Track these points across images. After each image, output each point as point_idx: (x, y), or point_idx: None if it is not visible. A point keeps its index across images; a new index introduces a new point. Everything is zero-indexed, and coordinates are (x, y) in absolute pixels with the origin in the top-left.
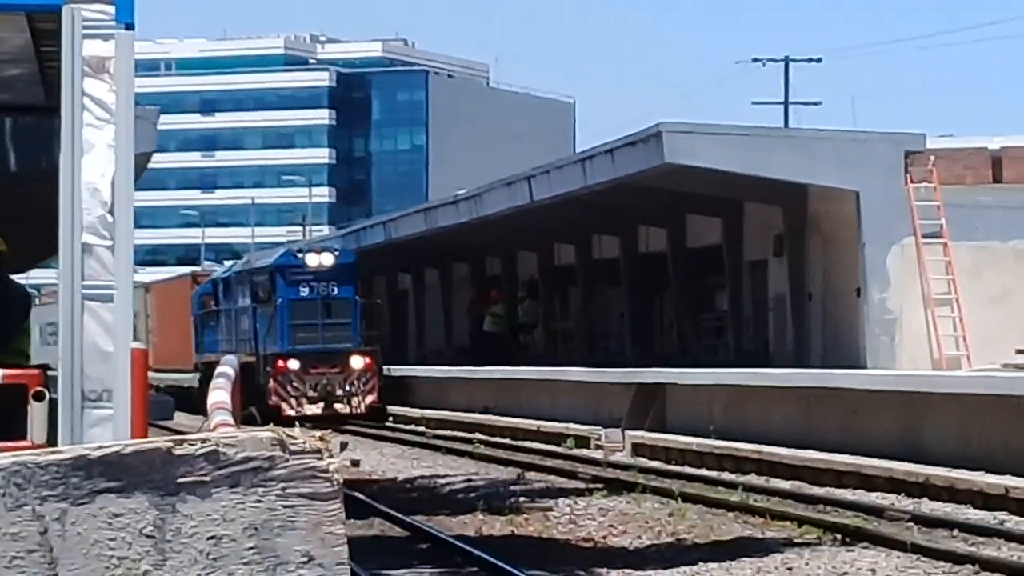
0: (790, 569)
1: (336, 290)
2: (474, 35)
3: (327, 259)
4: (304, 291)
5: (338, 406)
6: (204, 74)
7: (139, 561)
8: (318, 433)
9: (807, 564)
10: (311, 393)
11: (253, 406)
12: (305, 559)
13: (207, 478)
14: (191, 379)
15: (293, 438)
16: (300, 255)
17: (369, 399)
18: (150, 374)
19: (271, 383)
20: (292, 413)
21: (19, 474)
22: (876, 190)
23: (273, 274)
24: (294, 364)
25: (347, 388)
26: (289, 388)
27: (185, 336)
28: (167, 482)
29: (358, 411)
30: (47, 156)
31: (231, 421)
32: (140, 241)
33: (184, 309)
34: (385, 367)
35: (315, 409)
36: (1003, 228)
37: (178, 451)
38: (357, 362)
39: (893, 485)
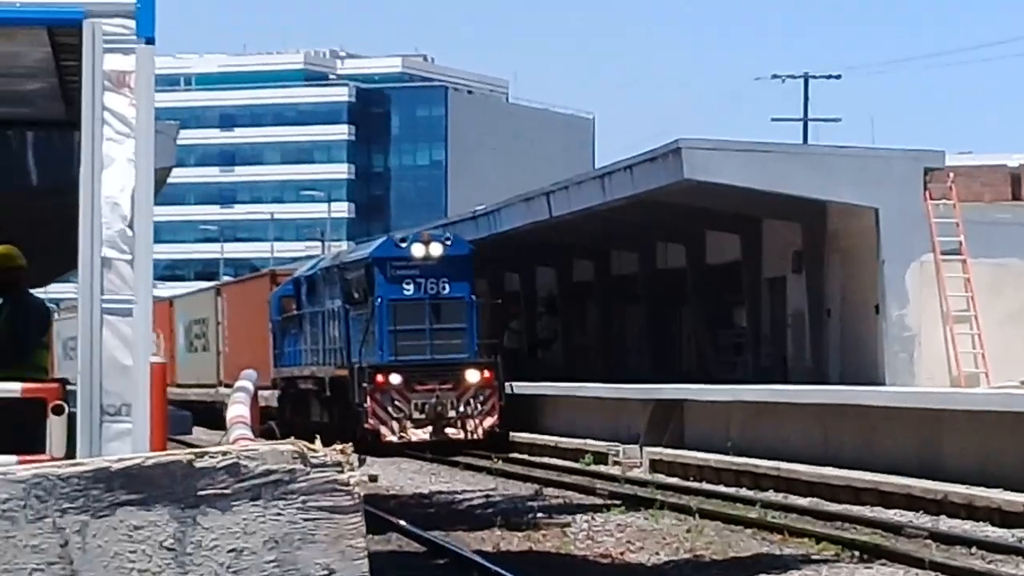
0: None
1: (448, 287)
2: (493, 51)
3: (436, 249)
4: (408, 289)
5: (450, 430)
6: (224, 89)
7: (159, 574)
8: (339, 446)
9: None
10: (417, 415)
11: (352, 428)
12: (326, 572)
13: (228, 491)
14: (269, 397)
15: (314, 451)
16: (404, 244)
17: (488, 422)
18: (221, 390)
19: (368, 402)
20: (394, 439)
21: (40, 486)
22: (895, 207)
23: (370, 268)
24: (396, 379)
25: (461, 408)
26: (391, 408)
27: (262, 345)
28: (188, 494)
29: (474, 436)
30: (67, 170)
31: (251, 435)
32: (159, 256)
33: (261, 314)
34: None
35: (422, 434)
36: (1022, 245)
37: (199, 463)
38: (473, 376)
39: (911, 502)
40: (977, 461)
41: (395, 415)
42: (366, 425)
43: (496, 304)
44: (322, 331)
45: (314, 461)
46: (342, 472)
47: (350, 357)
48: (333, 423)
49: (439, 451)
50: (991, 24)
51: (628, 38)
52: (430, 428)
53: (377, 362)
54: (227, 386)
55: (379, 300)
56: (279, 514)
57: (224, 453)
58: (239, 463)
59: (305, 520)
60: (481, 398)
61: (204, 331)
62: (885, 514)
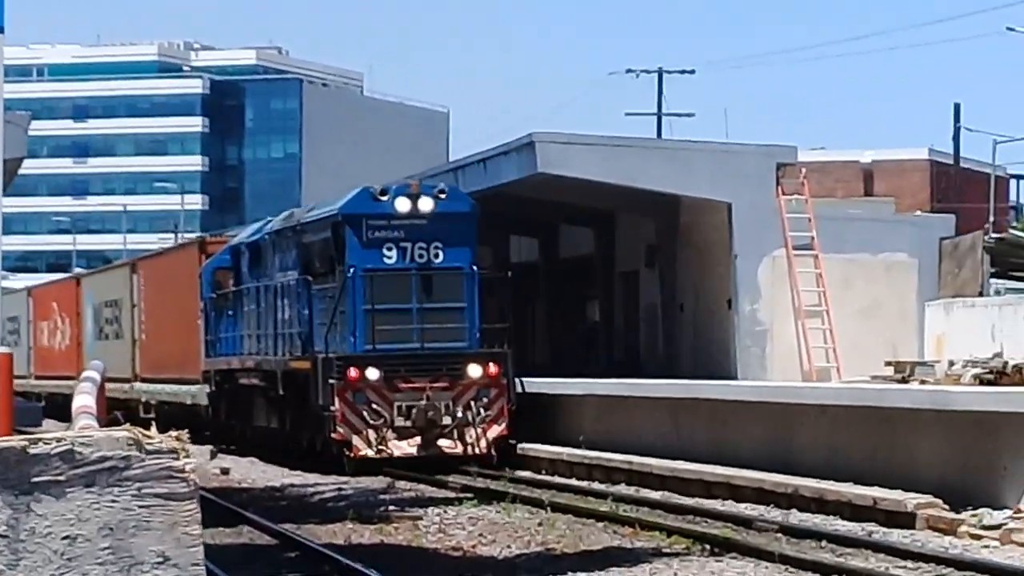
0: None
1: (442, 255)
2: (349, 44)
3: (426, 203)
4: (390, 256)
5: (444, 442)
6: (77, 80)
7: None
8: (175, 433)
9: (676, 574)
10: (401, 421)
11: (312, 437)
12: (160, 559)
13: (62, 477)
14: (197, 392)
15: (149, 438)
16: (384, 198)
17: (494, 431)
18: (137, 385)
19: (337, 403)
20: (370, 453)
21: None
22: (748, 202)
23: (340, 228)
24: (374, 374)
25: (459, 413)
26: (367, 413)
27: (190, 331)
28: (22, 481)
29: (476, 450)
30: None
31: (96, 426)
32: (10, 247)
33: (190, 292)
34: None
35: (407, 447)
36: (873, 241)
37: (33, 450)
38: (475, 371)
39: (762, 496)
40: (827, 455)
41: (372, 422)
42: (333, 435)
43: (506, 277)
44: (272, 312)
45: (149, 448)
46: (177, 459)
47: (312, 345)
48: (286, 429)
49: (432, 467)
50: (844, 21)
51: (484, 32)
52: (418, 439)
53: (349, 352)
54: (144, 380)
55: (351, 270)
56: (114, 501)
57: (58, 440)
58: (74, 449)
59: (140, 507)
60: (485, 400)
61: (117, 315)
62: (736, 508)
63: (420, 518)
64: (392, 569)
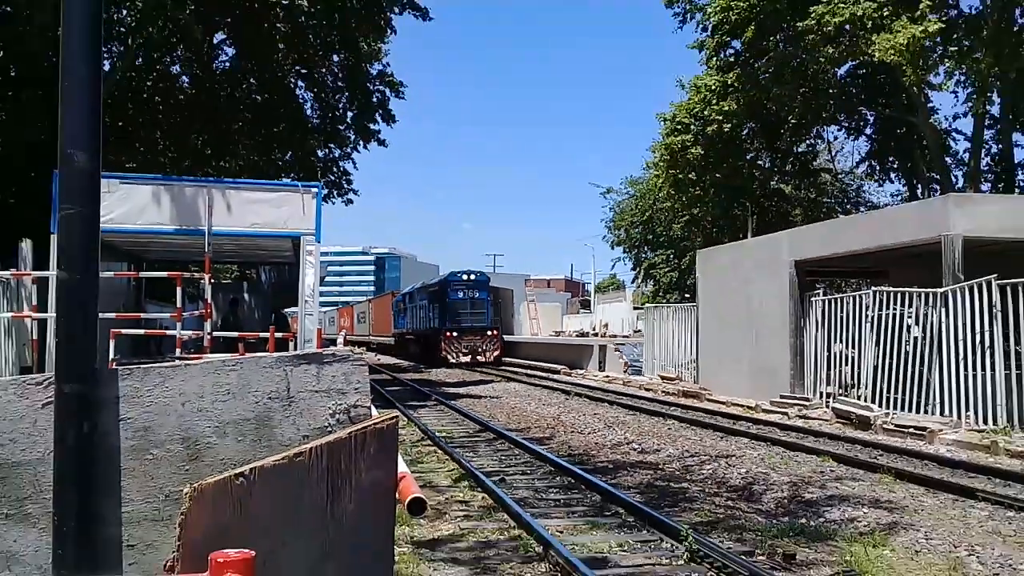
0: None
1: (478, 294)
2: (409, 236)
3: (473, 276)
4: (461, 294)
5: (479, 357)
6: (334, 257)
7: (309, 383)
8: (359, 349)
9: (498, 383)
10: (464, 350)
11: (431, 356)
12: (358, 384)
13: (333, 360)
14: (389, 340)
15: (353, 349)
16: (459, 274)
17: (496, 353)
18: (369, 337)
19: (442, 343)
20: (454, 360)
21: (280, 359)
22: (518, 291)
23: (444, 285)
24: (455, 334)
25: (484, 347)
26: (452, 347)
27: (387, 321)
28: (321, 362)
29: (490, 360)
30: (295, 276)
31: (342, 347)
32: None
33: (387, 309)
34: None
35: (466, 359)
36: (551, 300)
37: (325, 352)
38: (490, 333)
39: (533, 367)
40: (549, 356)
41: (454, 350)
42: (441, 355)
43: (499, 303)
44: (416, 313)
45: (355, 352)
46: (363, 355)
47: (433, 325)
48: (421, 352)
49: (474, 366)
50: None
51: (448, 226)
52: (470, 356)
53: (447, 327)
54: (372, 335)
55: (449, 299)
56: (344, 366)
57: (330, 351)
58: (336, 352)
59: (351, 368)
60: (493, 343)
61: (365, 316)
62: (523, 371)
63: (430, 372)
64: (426, 386)
